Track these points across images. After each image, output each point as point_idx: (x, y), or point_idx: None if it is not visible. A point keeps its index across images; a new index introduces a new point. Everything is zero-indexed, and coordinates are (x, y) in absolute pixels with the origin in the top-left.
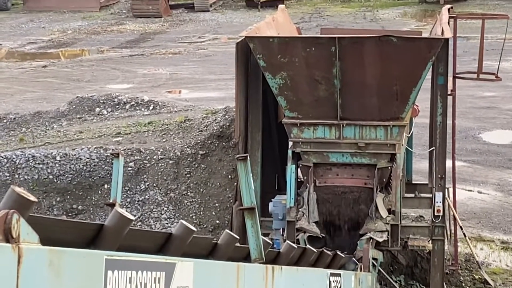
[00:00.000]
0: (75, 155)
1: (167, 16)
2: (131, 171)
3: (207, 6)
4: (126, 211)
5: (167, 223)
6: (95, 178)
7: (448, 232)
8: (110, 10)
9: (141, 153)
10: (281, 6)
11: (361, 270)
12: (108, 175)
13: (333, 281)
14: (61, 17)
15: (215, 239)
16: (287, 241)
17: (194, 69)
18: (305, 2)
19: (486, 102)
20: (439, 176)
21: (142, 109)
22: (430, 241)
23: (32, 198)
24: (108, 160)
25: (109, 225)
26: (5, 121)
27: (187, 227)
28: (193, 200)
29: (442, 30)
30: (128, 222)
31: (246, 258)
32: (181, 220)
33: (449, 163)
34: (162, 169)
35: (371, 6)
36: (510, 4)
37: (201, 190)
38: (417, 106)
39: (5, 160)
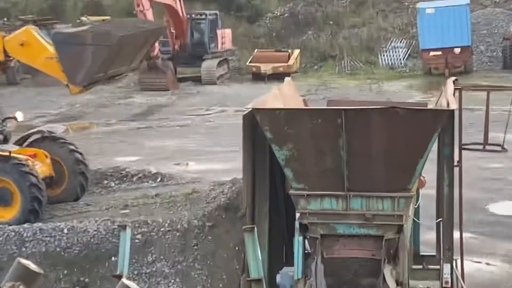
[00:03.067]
0: (82, 227)
1: (175, 89)
2: (138, 243)
3: (214, 79)
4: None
5: None
6: (102, 251)
7: None
8: (118, 83)
9: (148, 225)
10: (287, 79)
11: None
12: (115, 247)
13: None
14: None
15: None
16: None
17: (201, 141)
18: (311, 75)
19: (493, 173)
20: (447, 247)
21: (150, 181)
22: None
23: (37, 270)
24: (115, 233)
25: None
26: None
27: None
28: (201, 272)
29: (448, 102)
30: None
31: None
32: None
33: (456, 234)
34: (169, 241)
35: (376, 79)
36: None
37: (208, 262)
38: (424, 177)
39: (13, 233)
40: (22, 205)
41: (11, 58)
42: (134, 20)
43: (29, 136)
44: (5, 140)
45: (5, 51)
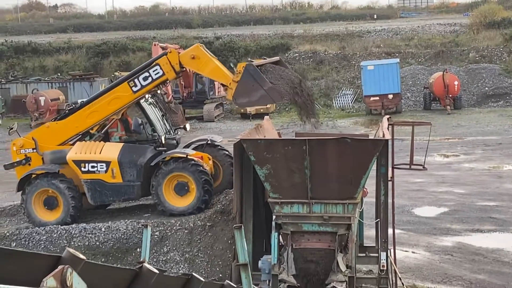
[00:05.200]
0: (115, 227)
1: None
2: (156, 238)
3: (212, 117)
4: (153, 267)
5: None
6: (130, 244)
7: (391, 282)
8: None
9: (164, 224)
10: (266, 117)
11: None
12: (140, 241)
13: None
14: None
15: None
16: None
17: None
18: (284, 114)
19: (417, 186)
20: (383, 240)
21: None
22: None
23: (81, 256)
24: (139, 230)
25: (140, 276)
26: None
27: (198, 278)
28: (203, 259)
29: (383, 134)
30: (153, 274)
31: None
32: (192, 273)
33: (390, 230)
34: (179, 237)
35: (331, 117)
36: (432, 115)
37: (209, 252)
38: (366, 189)
39: (64, 231)
40: (196, 196)
41: (184, 69)
42: (298, 80)
43: (192, 143)
44: (177, 145)
45: (180, 63)
